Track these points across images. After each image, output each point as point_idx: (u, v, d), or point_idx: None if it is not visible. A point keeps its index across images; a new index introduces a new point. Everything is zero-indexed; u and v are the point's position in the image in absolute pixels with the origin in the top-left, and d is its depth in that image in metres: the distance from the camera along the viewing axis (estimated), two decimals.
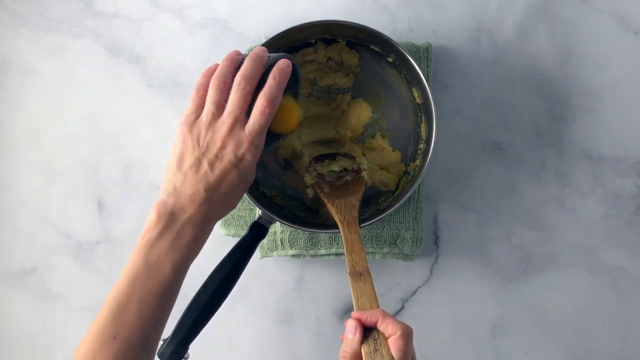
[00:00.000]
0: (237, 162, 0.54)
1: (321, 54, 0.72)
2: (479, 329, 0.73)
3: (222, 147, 0.53)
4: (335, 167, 0.69)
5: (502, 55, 0.76)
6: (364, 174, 0.69)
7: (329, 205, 0.64)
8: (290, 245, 0.72)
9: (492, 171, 0.75)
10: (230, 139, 0.53)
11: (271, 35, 0.66)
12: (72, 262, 0.76)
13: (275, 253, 0.73)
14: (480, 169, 0.75)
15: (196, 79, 0.77)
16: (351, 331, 0.52)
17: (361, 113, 0.72)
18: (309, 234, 0.72)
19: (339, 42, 0.71)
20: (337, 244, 0.72)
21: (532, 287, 0.74)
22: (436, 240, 0.75)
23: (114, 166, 0.77)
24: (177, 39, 0.79)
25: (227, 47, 0.78)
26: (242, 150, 0.54)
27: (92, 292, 0.75)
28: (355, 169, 0.69)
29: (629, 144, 0.75)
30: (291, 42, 0.70)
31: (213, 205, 0.53)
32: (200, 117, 0.55)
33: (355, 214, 0.63)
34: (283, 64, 0.57)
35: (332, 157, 0.70)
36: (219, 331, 0.74)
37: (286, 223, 0.66)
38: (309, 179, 0.69)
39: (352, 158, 0.71)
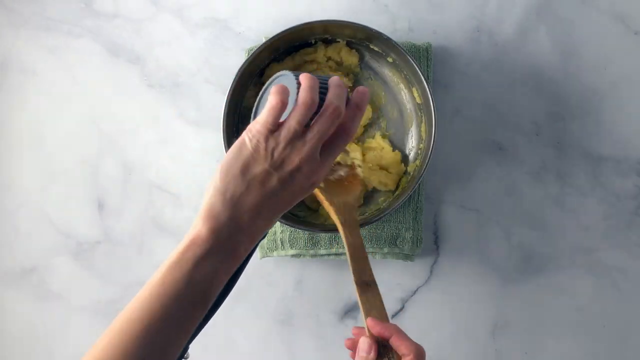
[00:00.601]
0: (308, 187, 0.50)
1: (321, 53, 0.72)
2: (479, 329, 0.73)
3: (298, 168, 0.49)
4: None
5: (502, 55, 0.76)
6: (359, 171, 0.68)
7: (327, 204, 0.62)
8: (290, 245, 0.72)
9: (492, 171, 0.75)
10: (308, 162, 0.49)
11: (271, 35, 0.66)
12: (72, 262, 0.76)
13: (275, 253, 0.73)
14: (480, 169, 0.75)
15: (196, 79, 0.78)
16: (365, 350, 0.51)
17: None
18: (309, 233, 0.71)
19: (339, 42, 0.71)
20: (337, 244, 0.72)
21: (532, 287, 0.74)
22: (436, 240, 0.75)
23: (114, 166, 0.77)
24: (177, 39, 0.79)
25: (227, 47, 0.78)
26: (315, 177, 0.50)
27: (92, 292, 0.75)
28: (349, 163, 0.69)
29: (629, 144, 0.75)
30: (291, 42, 0.70)
31: (271, 222, 0.50)
32: (281, 131, 0.49)
33: (356, 216, 0.61)
34: (362, 90, 0.53)
35: None
36: (219, 331, 0.74)
37: (286, 223, 0.66)
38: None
39: (346, 152, 0.69)
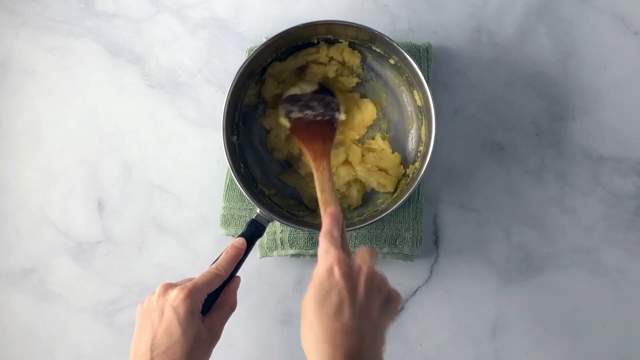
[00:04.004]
0: None
1: (323, 53, 0.72)
2: (479, 329, 0.73)
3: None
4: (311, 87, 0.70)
5: (502, 55, 0.76)
6: (338, 115, 0.70)
7: (300, 143, 0.67)
8: (290, 244, 0.72)
9: (492, 171, 0.75)
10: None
11: (271, 35, 0.66)
12: (72, 262, 0.76)
13: (275, 253, 0.73)
14: (480, 169, 0.75)
15: (196, 79, 0.78)
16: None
17: (366, 113, 0.72)
18: (309, 233, 0.71)
19: (342, 42, 0.71)
20: None
21: (532, 287, 0.74)
22: (436, 240, 0.75)
23: (114, 166, 0.77)
24: (177, 39, 0.79)
25: (227, 47, 0.78)
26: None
27: (92, 292, 0.75)
28: (331, 104, 0.70)
29: (629, 144, 0.75)
30: (292, 42, 0.70)
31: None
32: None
33: (328, 151, 0.65)
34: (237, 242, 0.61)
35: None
36: None
37: (284, 222, 0.66)
38: (284, 121, 0.69)
39: (332, 95, 0.71)
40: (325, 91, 0.71)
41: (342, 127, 0.72)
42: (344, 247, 0.54)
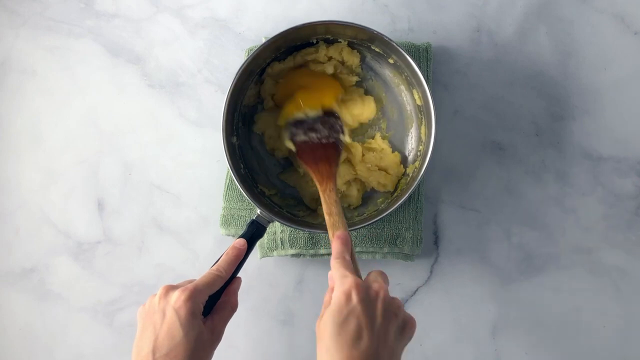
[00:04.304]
0: None
1: (322, 53, 0.72)
2: (479, 329, 0.73)
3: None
4: (314, 112, 0.70)
5: (502, 55, 0.76)
6: (343, 137, 0.69)
7: (306, 166, 0.67)
8: (290, 244, 0.72)
9: (492, 171, 0.75)
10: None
11: (271, 35, 0.66)
12: (72, 262, 0.76)
13: (275, 253, 0.73)
14: (480, 169, 0.75)
15: (196, 79, 0.78)
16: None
17: (366, 108, 0.72)
18: (309, 233, 0.72)
19: (340, 42, 0.71)
20: None
21: (532, 287, 0.73)
22: (436, 240, 0.75)
23: (114, 166, 0.77)
24: (177, 39, 0.79)
25: (227, 47, 0.78)
26: None
27: (92, 292, 0.75)
28: (335, 123, 0.70)
29: (629, 144, 0.75)
30: (292, 42, 0.70)
31: None
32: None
33: (333, 173, 0.65)
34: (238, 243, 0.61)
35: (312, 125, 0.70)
36: None
37: (284, 222, 0.66)
38: (290, 144, 0.69)
39: (336, 117, 0.71)
40: (330, 114, 0.70)
41: (346, 111, 0.72)
42: (354, 269, 0.55)
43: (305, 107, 0.70)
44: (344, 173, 0.71)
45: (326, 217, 0.61)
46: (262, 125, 0.73)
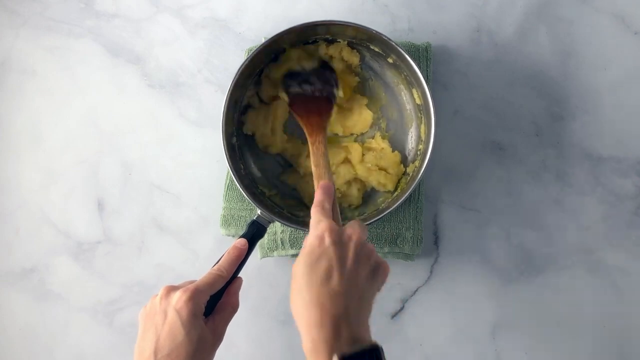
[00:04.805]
0: None
1: (322, 53, 0.72)
2: (479, 329, 0.73)
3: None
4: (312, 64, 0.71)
5: (502, 55, 0.76)
6: (337, 91, 0.70)
7: (297, 117, 0.68)
8: (290, 245, 0.72)
9: (492, 171, 0.75)
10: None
11: (271, 35, 0.66)
12: (72, 262, 0.76)
13: (275, 253, 0.73)
14: (480, 169, 0.75)
15: (196, 79, 0.78)
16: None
17: (359, 121, 0.72)
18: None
19: (340, 42, 0.71)
20: None
21: (532, 287, 0.73)
22: (436, 240, 0.75)
23: (114, 166, 0.77)
24: (177, 39, 0.79)
25: (227, 47, 0.78)
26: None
27: (92, 292, 0.75)
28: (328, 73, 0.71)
29: (629, 144, 0.75)
30: (291, 43, 0.70)
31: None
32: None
33: (324, 125, 0.67)
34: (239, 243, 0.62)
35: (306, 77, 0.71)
36: None
37: (285, 222, 0.66)
38: (283, 95, 0.70)
39: (332, 71, 0.71)
40: (326, 67, 0.71)
41: (338, 120, 0.73)
42: (334, 218, 0.56)
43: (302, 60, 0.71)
44: (344, 173, 0.71)
45: (313, 169, 0.62)
46: (252, 125, 0.72)
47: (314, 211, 0.55)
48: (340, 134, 0.73)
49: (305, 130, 0.67)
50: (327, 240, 0.51)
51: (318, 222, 0.54)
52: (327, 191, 0.58)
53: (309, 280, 0.50)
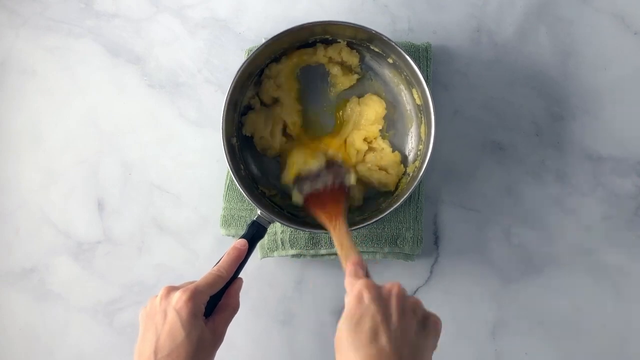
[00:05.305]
0: None
1: (321, 54, 0.72)
2: (479, 329, 0.73)
3: None
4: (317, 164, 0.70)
5: (502, 55, 0.76)
6: (348, 178, 0.69)
7: (315, 214, 0.66)
8: (290, 245, 0.72)
9: (492, 171, 0.75)
10: None
11: (271, 36, 0.66)
12: (72, 262, 0.76)
13: (275, 253, 0.73)
14: (480, 169, 0.75)
15: (196, 79, 0.78)
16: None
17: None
18: (309, 234, 0.72)
19: (339, 42, 0.71)
20: None
21: (532, 287, 0.73)
22: (436, 240, 0.75)
23: (114, 166, 0.77)
24: (177, 39, 0.79)
25: (227, 47, 0.78)
26: None
27: (92, 292, 0.75)
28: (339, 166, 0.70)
29: (629, 144, 0.75)
30: (291, 43, 0.70)
31: None
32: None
33: (342, 211, 0.65)
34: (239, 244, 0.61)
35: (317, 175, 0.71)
36: None
37: (285, 223, 0.66)
38: (298, 197, 0.69)
39: (340, 167, 0.71)
40: (332, 162, 0.71)
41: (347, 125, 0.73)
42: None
43: (309, 162, 0.70)
44: None
45: (338, 250, 0.61)
46: (251, 127, 0.72)
47: (348, 281, 0.52)
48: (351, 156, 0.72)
49: (324, 222, 0.65)
50: (367, 297, 0.48)
51: (352, 283, 0.50)
52: (359, 265, 0.55)
53: (354, 343, 0.45)
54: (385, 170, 0.71)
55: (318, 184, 0.69)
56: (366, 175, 0.71)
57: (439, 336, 0.50)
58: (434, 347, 0.49)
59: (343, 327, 0.47)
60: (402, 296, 0.49)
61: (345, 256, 0.58)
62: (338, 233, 0.62)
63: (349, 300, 0.49)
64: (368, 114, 0.72)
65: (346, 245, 0.60)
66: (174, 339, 0.53)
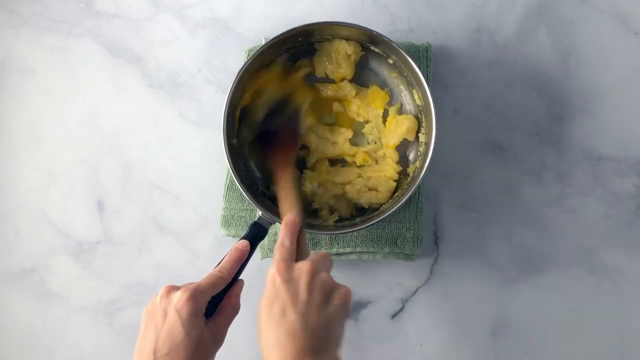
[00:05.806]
0: None
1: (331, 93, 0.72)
2: (479, 329, 0.73)
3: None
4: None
5: (502, 55, 0.76)
6: (299, 127, 0.70)
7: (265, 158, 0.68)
8: None
9: (492, 171, 0.75)
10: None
11: (271, 36, 0.66)
12: (72, 262, 0.76)
13: None
14: (480, 169, 0.75)
15: (196, 79, 0.78)
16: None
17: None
18: (309, 234, 0.71)
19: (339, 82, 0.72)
20: (338, 244, 0.72)
21: (532, 287, 0.74)
22: (436, 240, 0.75)
23: (114, 166, 0.77)
24: (177, 39, 0.79)
25: (227, 47, 0.78)
26: None
27: (92, 292, 0.75)
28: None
29: (629, 144, 0.75)
30: (291, 43, 0.70)
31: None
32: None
33: (290, 162, 0.66)
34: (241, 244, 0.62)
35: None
36: None
37: None
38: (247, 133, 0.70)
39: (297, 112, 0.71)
40: (288, 103, 0.71)
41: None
42: (300, 251, 0.57)
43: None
44: (331, 187, 0.71)
45: (279, 204, 0.62)
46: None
47: (275, 252, 0.56)
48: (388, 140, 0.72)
49: (274, 171, 0.66)
50: (277, 280, 0.53)
51: (272, 265, 0.55)
52: (289, 227, 0.58)
53: (267, 323, 0.52)
54: (375, 189, 0.70)
55: (272, 124, 0.70)
56: (355, 197, 0.70)
57: (347, 305, 0.54)
58: (344, 316, 0.54)
59: (261, 309, 0.53)
60: (311, 275, 0.53)
61: (283, 214, 0.61)
62: (283, 185, 0.64)
63: (266, 284, 0.54)
64: (404, 126, 0.71)
65: (289, 200, 0.62)
66: (174, 338, 0.53)
